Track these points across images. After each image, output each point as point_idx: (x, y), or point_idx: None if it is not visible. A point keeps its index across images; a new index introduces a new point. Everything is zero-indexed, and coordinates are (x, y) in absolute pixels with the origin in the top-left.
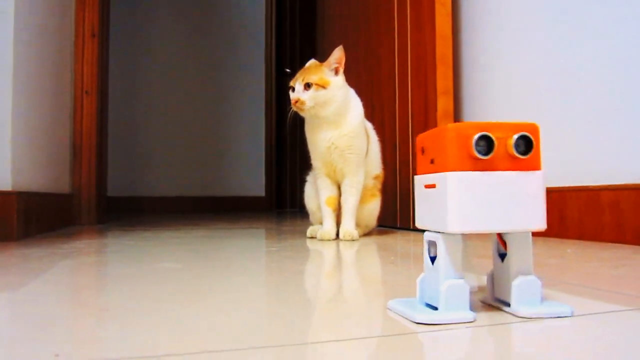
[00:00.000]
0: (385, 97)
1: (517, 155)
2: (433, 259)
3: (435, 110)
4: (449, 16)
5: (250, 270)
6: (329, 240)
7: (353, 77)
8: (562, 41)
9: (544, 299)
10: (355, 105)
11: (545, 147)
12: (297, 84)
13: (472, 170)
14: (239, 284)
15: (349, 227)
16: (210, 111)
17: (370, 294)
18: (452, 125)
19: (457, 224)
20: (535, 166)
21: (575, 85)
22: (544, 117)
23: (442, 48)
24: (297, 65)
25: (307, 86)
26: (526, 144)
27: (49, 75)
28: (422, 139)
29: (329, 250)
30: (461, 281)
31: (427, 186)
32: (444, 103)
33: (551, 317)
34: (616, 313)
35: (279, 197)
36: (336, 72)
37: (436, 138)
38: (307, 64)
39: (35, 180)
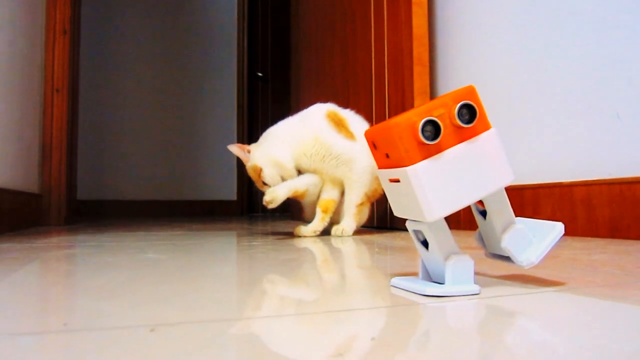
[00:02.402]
0: (362, 98)
1: (464, 126)
2: (424, 243)
3: None
4: (425, 17)
5: (238, 259)
6: (307, 236)
7: (329, 79)
8: (536, 41)
9: (532, 232)
10: (300, 133)
11: (520, 144)
12: (260, 187)
13: (428, 158)
14: (229, 269)
15: (343, 223)
16: (181, 114)
17: (369, 275)
18: (395, 120)
19: (434, 212)
20: (484, 127)
21: (549, 84)
22: (518, 116)
23: (419, 49)
24: (269, 69)
25: (263, 181)
26: (470, 112)
27: (18, 71)
28: (371, 134)
29: (309, 243)
30: (466, 256)
31: (391, 180)
32: (421, 104)
33: (551, 248)
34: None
35: (250, 202)
36: (249, 152)
37: (385, 134)
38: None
39: (2, 177)
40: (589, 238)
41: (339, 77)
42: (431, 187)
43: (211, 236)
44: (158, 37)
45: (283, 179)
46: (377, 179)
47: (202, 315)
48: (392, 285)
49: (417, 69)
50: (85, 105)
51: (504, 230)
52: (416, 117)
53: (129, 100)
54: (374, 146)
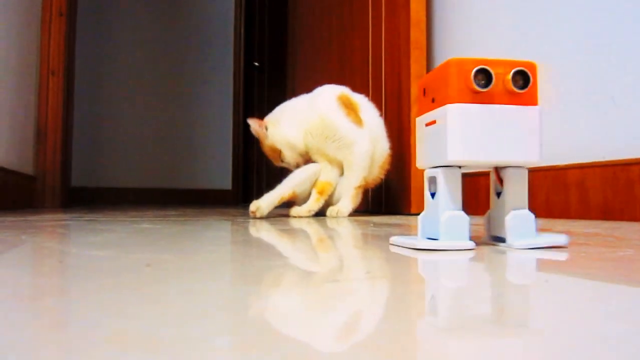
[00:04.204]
0: (358, 84)
1: (515, 89)
2: (433, 195)
3: (409, 95)
4: (423, 1)
5: (232, 229)
6: (302, 216)
7: (325, 67)
8: (533, 26)
9: (538, 233)
10: (312, 109)
11: None
12: (278, 163)
13: (471, 103)
14: (224, 234)
15: (340, 204)
16: (177, 102)
17: (368, 239)
18: (452, 59)
19: (457, 153)
20: (532, 101)
21: (545, 69)
22: None
23: (416, 33)
24: (266, 58)
25: (281, 159)
26: (524, 79)
27: (14, 52)
28: (425, 79)
29: (304, 223)
30: (461, 212)
31: (427, 124)
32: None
33: (547, 247)
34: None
35: (245, 191)
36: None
37: (437, 75)
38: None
39: None
40: (582, 220)
41: (336, 64)
42: (463, 129)
43: (206, 216)
44: (155, 25)
45: (297, 158)
46: (380, 164)
47: (196, 258)
48: (390, 243)
49: (414, 53)
50: (81, 90)
51: (515, 209)
52: (472, 63)
53: (124, 87)
54: (423, 93)
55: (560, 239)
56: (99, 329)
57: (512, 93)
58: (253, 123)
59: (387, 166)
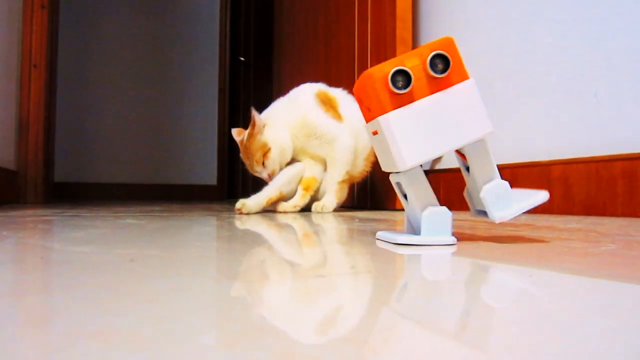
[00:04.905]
0: (344, 78)
1: (437, 75)
2: (406, 196)
3: None
4: None
5: (217, 224)
6: (287, 212)
7: (311, 63)
8: (518, 23)
9: (516, 196)
10: (291, 115)
11: (499, 124)
12: (256, 166)
13: (399, 107)
14: (209, 229)
15: (324, 199)
16: (162, 96)
17: (354, 234)
18: (370, 70)
19: (405, 161)
20: (461, 77)
21: (529, 65)
22: (499, 98)
23: (402, 30)
24: (252, 53)
25: (263, 161)
26: (443, 62)
27: None
28: (356, 89)
29: (289, 217)
30: (443, 208)
31: (373, 133)
32: None
33: (528, 210)
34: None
35: (231, 187)
36: (263, 128)
37: (363, 86)
38: (239, 139)
39: None
40: (565, 215)
41: (322, 59)
42: (402, 137)
43: (191, 212)
44: (140, 18)
45: (280, 164)
46: (365, 157)
47: (180, 254)
48: (377, 238)
49: (400, 49)
50: (64, 84)
51: (485, 183)
52: (388, 67)
53: (108, 82)
54: (361, 102)
55: (540, 196)
56: (82, 325)
57: (436, 79)
58: (256, 114)
59: (372, 158)
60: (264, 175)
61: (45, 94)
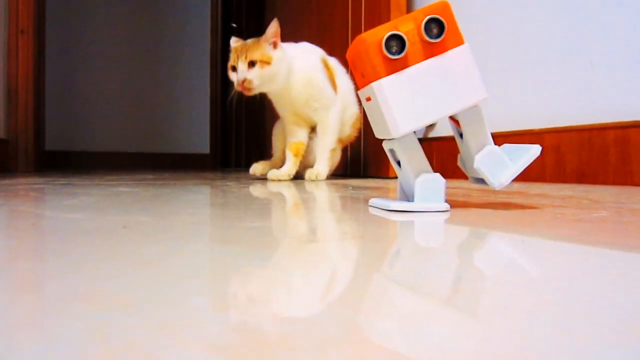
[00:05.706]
0: (337, 46)
1: (431, 40)
2: (399, 163)
3: None
4: None
5: (210, 192)
6: (281, 180)
7: (304, 31)
8: None
9: (508, 154)
10: (299, 63)
11: (492, 92)
12: (240, 63)
13: (394, 73)
14: (202, 197)
15: (317, 167)
16: (153, 64)
17: (348, 201)
18: (363, 35)
19: (399, 128)
20: (456, 42)
21: (524, 33)
22: (493, 67)
23: None
24: (244, 20)
25: (251, 64)
26: (438, 26)
27: None
28: (349, 54)
29: (284, 186)
30: (437, 175)
31: (367, 99)
32: None
33: (523, 168)
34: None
35: (224, 155)
36: (274, 45)
37: (357, 52)
38: (239, 43)
39: None
40: (558, 184)
41: (315, 26)
42: (396, 103)
43: (184, 179)
44: None
45: (259, 87)
46: (351, 124)
47: (173, 220)
48: (369, 205)
49: (394, 15)
50: (53, 50)
51: (478, 151)
52: (382, 31)
53: (98, 47)
54: (354, 67)
55: (532, 151)
56: (74, 289)
57: (431, 44)
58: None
59: (358, 125)
60: (233, 77)
61: (34, 61)
